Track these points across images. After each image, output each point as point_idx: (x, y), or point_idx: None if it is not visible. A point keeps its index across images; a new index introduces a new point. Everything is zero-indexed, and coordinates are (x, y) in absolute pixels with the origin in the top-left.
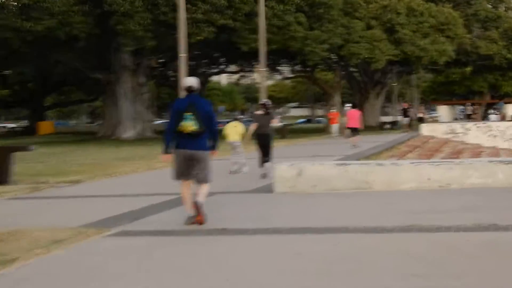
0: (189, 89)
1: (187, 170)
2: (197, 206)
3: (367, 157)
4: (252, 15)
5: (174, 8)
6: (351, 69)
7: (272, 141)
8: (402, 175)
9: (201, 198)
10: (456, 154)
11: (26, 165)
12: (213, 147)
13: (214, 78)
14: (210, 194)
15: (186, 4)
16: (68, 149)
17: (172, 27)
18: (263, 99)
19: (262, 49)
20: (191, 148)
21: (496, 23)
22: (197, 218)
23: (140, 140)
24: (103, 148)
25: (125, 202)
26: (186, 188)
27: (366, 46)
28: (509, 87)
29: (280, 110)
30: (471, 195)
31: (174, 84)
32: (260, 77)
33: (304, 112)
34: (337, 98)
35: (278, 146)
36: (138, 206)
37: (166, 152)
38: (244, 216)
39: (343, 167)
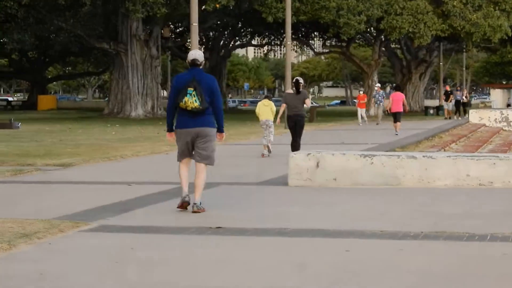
0: (193, 63)
1: (190, 150)
2: (194, 209)
3: (404, 147)
4: None
5: None
6: (393, 45)
7: (304, 122)
8: (437, 170)
9: (197, 197)
10: (507, 146)
11: (17, 144)
12: (219, 129)
13: (240, 52)
14: (216, 184)
15: None
16: (68, 127)
17: None
18: (296, 77)
19: (289, 19)
20: (195, 125)
21: None
22: (194, 210)
23: (150, 119)
24: (107, 127)
25: (116, 190)
26: (185, 166)
27: (409, 19)
28: None
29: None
30: None
31: None
32: (286, 52)
33: (339, 92)
34: (375, 78)
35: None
36: (130, 196)
37: (170, 130)
38: (246, 214)
39: (369, 158)
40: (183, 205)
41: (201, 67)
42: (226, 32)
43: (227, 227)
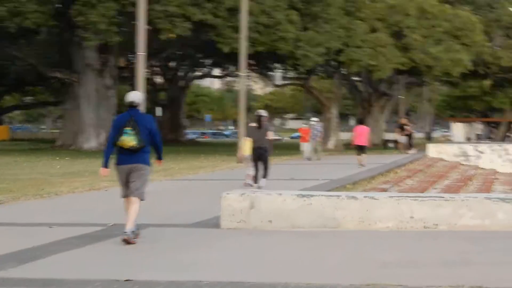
0: (131, 104)
1: (128, 185)
2: (126, 240)
3: (356, 183)
4: (235, 11)
5: None
6: (353, 78)
7: (268, 155)
8: (379, 211)
9: (129, 227)
10: (464, 181)
11: None
12: (158, 158)
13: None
14: (143, 226)
15: None
16: (14, 160)
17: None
18: (258, 110)
19: (244, 50)
20: (130, 162)
21: None
22: (129, 242)
23: (102, 151)
24: (55, 160)
25: (34, 233)
26: (127, 202)
27: (369, 51)
28: None
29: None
30: (460, 241)
31: (152, 87)
32: (241, 84)
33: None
34: (334, 111)
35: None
36: (47, 240)
37: (105, 166)
38: (165, 262)
39: (306, 199)
40: (125, 238)
41: (139, 108)
42: (185, 63)
43: (138, 279)
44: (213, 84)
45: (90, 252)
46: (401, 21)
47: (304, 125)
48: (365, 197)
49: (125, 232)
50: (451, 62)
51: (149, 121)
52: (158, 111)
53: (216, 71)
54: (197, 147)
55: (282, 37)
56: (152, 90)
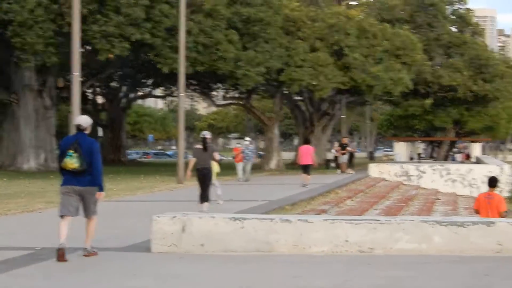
0: (77, 127)
1: (72, 205)
2: (85, 253)
3: (295, 204)
4: (174, 30)
5: (83, 19)
6: (295, 97)
7: (211, 176)
8: (313, 234)
9: (88, 243)
10: (405, 201)
11: None
12: (99, 188)
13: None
14: (72, 250)
15: (96, 14)
16: None
17: (81, 41)
18: (203, 132)
19: (182, 70)
20: (78, 184)
21: (461, 50)
22: (85, 255)
23: (42, 172)
24: None
25: None
26: (64, 224)
27: (309, 71)
28: (476, 124)
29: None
30: (395, 266)
31: (93, 107)
32: (179, 103)
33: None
34: (275, 131)
35: (189, 186)
36: None
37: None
38: None
39: (239, 222)
40: (60, 252)
41: (86, 132)
42: (125, 83)
43: None
44: (157, 103)
45: (13, 278)
46: (341, 40)
47: (238, 145)
48: (299, 220)
49: (86, 249)
50: (391, 81)
51: (91, 144)
52: (99, 132)
53: (158, 91)
54: (138, 168)
55: (222, 57)
56: (93, 110)
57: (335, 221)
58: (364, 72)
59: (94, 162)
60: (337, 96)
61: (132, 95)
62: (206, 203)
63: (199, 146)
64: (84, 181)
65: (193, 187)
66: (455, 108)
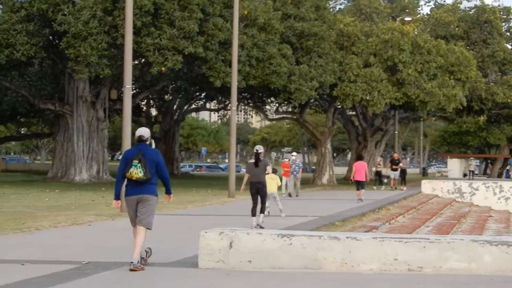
0: (139, 139)
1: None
2: (133, 269)
3: (345, 220)
4: (228, 44)
5: (137, 32)
6: (348, 112)
7: (266, 190)
8: (361, 252)
9: (135, 256)
10: (457, 219)
11: None
12: (167, 192)
13: (202, 115)
14: (121, 264)
15: (150, 27)
16: (2, 192)
17: (134, 54)
18: (256, 146)
19: (235, 84)
20: (138, 193)
21: None
22: (131, 268)
23: (94, 184)
24: (45, 192)
25: (3, 271)
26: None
27: (362, 86)
28: None
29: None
30: (444, 286)
31: (146, 120)
32: (232, 117)
33: (300, 158)
34: (328, 146)
35: (240, 200)
36: (14, 279)
37: (116, 198)
38: None
39: (287, 239)
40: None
41: (147, 142)
42: (179, 96)
43: None
44: (210, 117)
45: None
46: (395, 55)
47: (286, 160)
48: (347, 237)
49: (132, 262)
50: (445, 97)
51: (156, 154)
52: (153, 144)
53: (211, 104)
54: (190, 181)
55: (275, 71)
56: (146, 122)
57: (384, 239)
58: (417, 88)
59: (161, 171)
60: (391, 111)
61: (185, 108)
62: (261, 215)
63: (252, 160)
64: (144, 189)
65: (244, 201)
66: (509, 125)
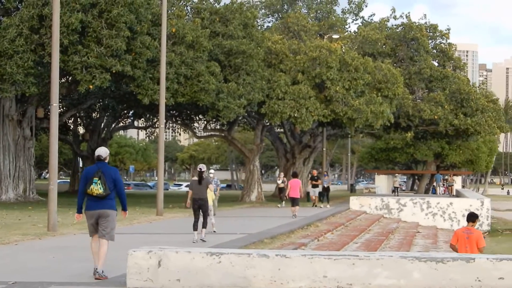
0: (98, 158)
1: (96, 228)
2: (96, 276)
3: (274, 237)
4: (156, 62)
5: (64, 50)
6: (277, 129)
7: (207, 206)
8: (291, 270)
9: (100, 266)
10: (385, 235)
11: None
12: (123, 208)
13: (128, 133)
14: (46, 284)
15: (77, 45)
16: None
17: (61, 72)
18: (199, 165)
19: (162, 101)
20: (98, 208)
21: (443, 84)
22: (96, 277)
23: (21, 203)
24: None
25: None
26: (94, 243)
27: (290, 103)
28: (456, 157)
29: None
30: None
31: (73, 138)
32: (160, 135)
33: (228, 175)
34: (256, 163)
35: (169, 218)
36: None
37: (79, 212)
38: None
39: (216, 257)
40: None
41: (106, 161)
42: (107, 114)
43: None
44: (138, 134)
45: None
46: (323, 73)
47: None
48: (276, 255)
49: (97, 271)
50: (373, 114)
51: (114, 172)
52: (80, 162)
53: (139, 122)
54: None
55: (203, 88)
56: (74, 141)
57: (313, 256)
58: (345, 105)
59: (119, 188)
60: (319, 128)
61: (113, 126)
62: (203, 230)
63: (196, 178)
64: (104, 204)
65: (172, 219)
66: (436, 141)
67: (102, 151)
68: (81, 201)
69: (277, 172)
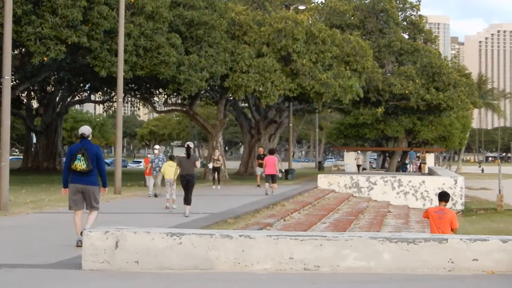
0: (81, 136)
1: (79, 201)
2: (79, 244)
3: (238, 217)
4: (113, 33)
5: (17, 21)
6: (241, 104)
7: (194, 182)
8: (255, 251)
9: (88, 226)
10: (355, 215)
11: None
12: (103, 184)
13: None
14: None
15: (31, 15)
16: None
17: (14, 43)
18: (187, 142)
19: (121, 74)
20: (82, 183)
21: (413, 57)
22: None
23: None
24: None
25: None
26: (77, 217)
27: (255, 77)
28: (429, 133)
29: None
30: (341, 286)
31: (26, 113)
32: (117, 109)
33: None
34: (219, 139)
35: (127, 197)
36: None
37: (65, 186)
38: None
39: (177, 238)
40: (79, 245)
41: (89, 138)
42: (62, 87)
43: None
44: (95, 109)
45: None
46: (289, 45)
47: (149, 155)
48: (240, 236)
49: (80, 240)
50: (341, 88)
51: (96, 149)
52: (33, 138)
53: (96, 96)
54: None
55: (164, 61)
56: (27, 115)
57: (279, 237)
58: (312, 78)
59: (100, 164)
60: (285, 103)
61: (68, 100)
62: (188, 206)
63: (183, 154)
64: (87, 180)
65: (131, 198)
66: (407, 117)
67: (86, 129)
68: (66, 176)
69: (241, 149)
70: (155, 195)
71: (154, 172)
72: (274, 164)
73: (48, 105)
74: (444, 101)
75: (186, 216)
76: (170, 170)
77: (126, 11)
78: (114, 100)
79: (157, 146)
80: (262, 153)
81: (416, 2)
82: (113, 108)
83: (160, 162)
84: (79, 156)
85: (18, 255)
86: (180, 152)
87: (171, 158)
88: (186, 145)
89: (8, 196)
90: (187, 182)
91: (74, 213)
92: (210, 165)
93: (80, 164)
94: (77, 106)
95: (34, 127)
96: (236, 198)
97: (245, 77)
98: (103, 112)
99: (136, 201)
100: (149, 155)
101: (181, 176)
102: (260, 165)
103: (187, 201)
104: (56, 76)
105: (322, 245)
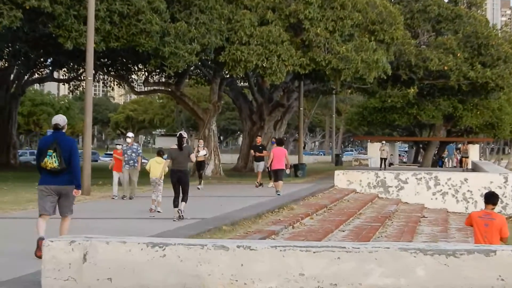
0: (55, 127)
1: (49, 205)
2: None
3: (235, 223)
4: None
5: None
6: (241, 83)
7: (188, 178)
8: (257, 266)
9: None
10: (381, 220)
11: None
12: (77, 186)
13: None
14: None
15: None
16: None
17: None
18: (180, 132)
19: (91, 46)
20: (55, 183)
21: (454, 26)
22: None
23: None
24: None
25: None
26: (42, 220)
27: (258, 50)
28: (473, 120)
29: (141, 138)
30: None
31: None
32: (86, 88)
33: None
34: (213, 127)
35: (97, 199)
36: None
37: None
38: None
39: (159, 249)
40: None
41: (63, 130)
42: (17, 62)
43: None
44: (59, 89)
45: None
46: (299, 10)
47: (119, 146)
48: (238, 247)
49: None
50: (364, 64)
51: (71, 143)
52: None
53: (61, 73)
54: (32, 173)
55: (144, 30)
56: None
57: (286, 248)
58: (329, 52)
59: (73, 161)
60: (294, 82)
61: (26, 78)
62: (183, 203)
63: (175, 146)
64: (61, 180)
65: (101, 200)
66: (446, 99)
67: (60, 119)
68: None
69: (240, 139)
70: (123, 197)
71: (127, 166)
72: (283, 157)
73: (0, 84)
74: (492, 80)
75: (179, 220)
76: (157, 167)
77: None
78: (82, 78)
79: (130, 134)
80: (259, 143)
81: None
82: (80, 88)
83: (133, 154)
84: (50, 152)
85: None
86: (165, 144)
87: (160, 153)
88: (178, 135)
89: None
90: (178, 179)
91: (40, 217)
92: (193, 157)
93: (51, 161)
94: (37, 86)
95: None
96: (233, 199)
97: (245, 50)
98: (69, 93)
99: (109, 203)
100: (118, 146)
101: (172, 171)
102: (257, 159)
103: (176, 203)
104: (10, 49)
105: (340, 258)
